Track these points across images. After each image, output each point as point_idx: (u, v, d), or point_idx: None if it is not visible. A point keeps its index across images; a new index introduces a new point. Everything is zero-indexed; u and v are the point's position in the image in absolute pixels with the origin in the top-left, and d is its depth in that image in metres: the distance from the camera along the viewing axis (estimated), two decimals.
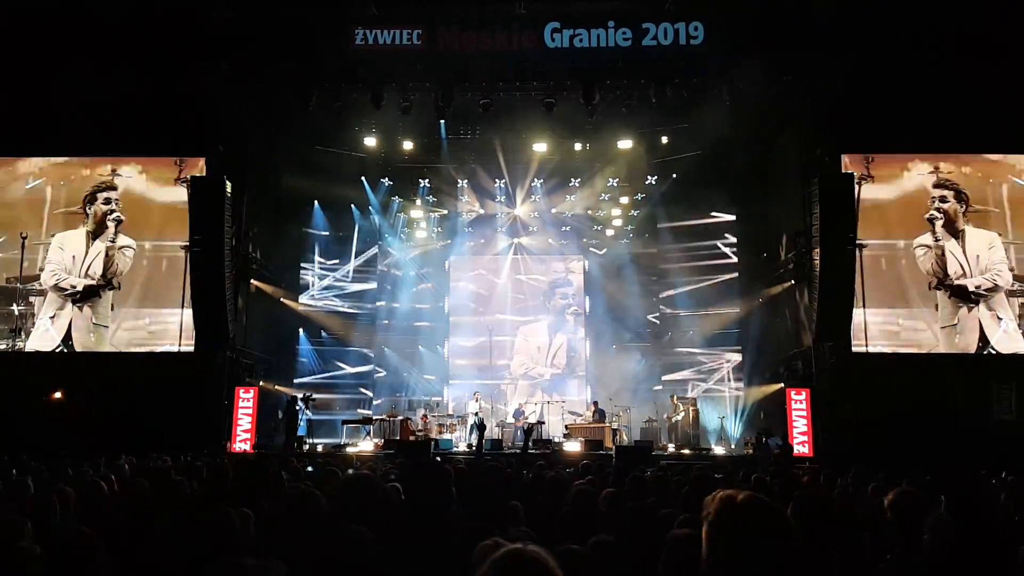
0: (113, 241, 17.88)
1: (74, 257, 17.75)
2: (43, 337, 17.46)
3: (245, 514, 3.65)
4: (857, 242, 15.92)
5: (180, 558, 3.22)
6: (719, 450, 17.83)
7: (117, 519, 4.94)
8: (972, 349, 16.94)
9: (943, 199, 17.45)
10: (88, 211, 17.98)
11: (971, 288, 17.08)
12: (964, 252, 17.24)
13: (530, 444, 16.24)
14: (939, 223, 17.38)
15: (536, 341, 22.74)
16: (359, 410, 21.00)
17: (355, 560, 3.13)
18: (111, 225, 17.89)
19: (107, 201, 17.98)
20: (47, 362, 17.24)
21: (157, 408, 15.09)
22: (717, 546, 2.02)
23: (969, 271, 17.15)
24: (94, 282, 17.69)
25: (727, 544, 2.01)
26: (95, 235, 17.88)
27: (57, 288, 17.62)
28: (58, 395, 16.48)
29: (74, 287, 17.63)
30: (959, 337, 17.01)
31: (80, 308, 17.58)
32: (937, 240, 17.34)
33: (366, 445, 17.74)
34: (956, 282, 17.14)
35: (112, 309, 17.65)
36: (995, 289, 17.04)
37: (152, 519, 4.76)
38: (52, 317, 17.50)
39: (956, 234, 17.36)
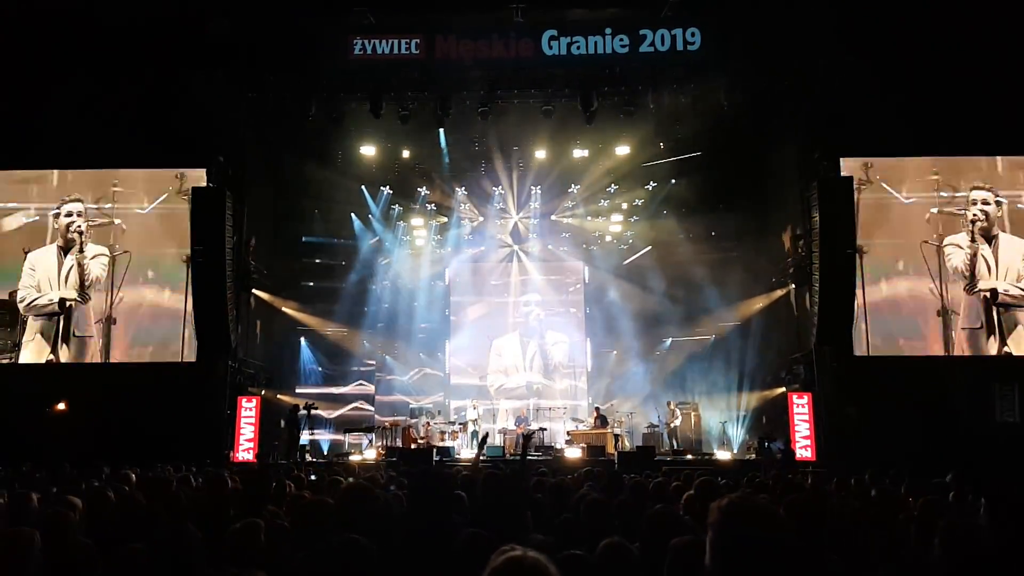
0: (82, 252, 17.79)
1: (48, 276, 17.65)
2: (31, 355, 17.44)
3: (255, 524, 3.66)
4: (858, 244, 16.02)
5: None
6: (721, 455, 17.83)
7: (121, 530, 4.95)
8: (993, 352, 16.85)
9: (984, 201, 17.29)
10: (55, 225, 17.90)
11: (1000, 290, 16.96)
12: (996, 258, 17.12)
13: (529, 451, 16.28)
14: (978, 225, 17.19)
15: (509, 353, 22.75)
16: (361, 412, 21.00)
17: (360, 569, 3.15)
18: (76, 237, 17.81)
19: (69, 214, 17.88)
20: (50, 373, 17.25)
21: (159, 418, 15.07)
22: (720, 552, 2.02)
23: (996, 276, 17.03)
24: (71, 295, 17.60)
25: (731, 549, 2.00)
26: (65, 250, 17.80)
27: (31, 307, 17.56)
28: (61, 406, 16.50)
29: (51, 301, 17.54)
30: (982, 340, 16.93)
31: (60, 321, 17.52)
32: (972, 242, 17.17)
33: (368, 453, 17.75)
34: (982, 284, 17.02)
35: (93, 320, 17.57)
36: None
37: (151, 530, 4.78)
38: (32, 339, 17.44)
39: (990, 239, 17.23)
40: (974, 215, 17.23)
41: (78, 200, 17.97)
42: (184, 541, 3.33)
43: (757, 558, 1.97)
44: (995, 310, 16.94)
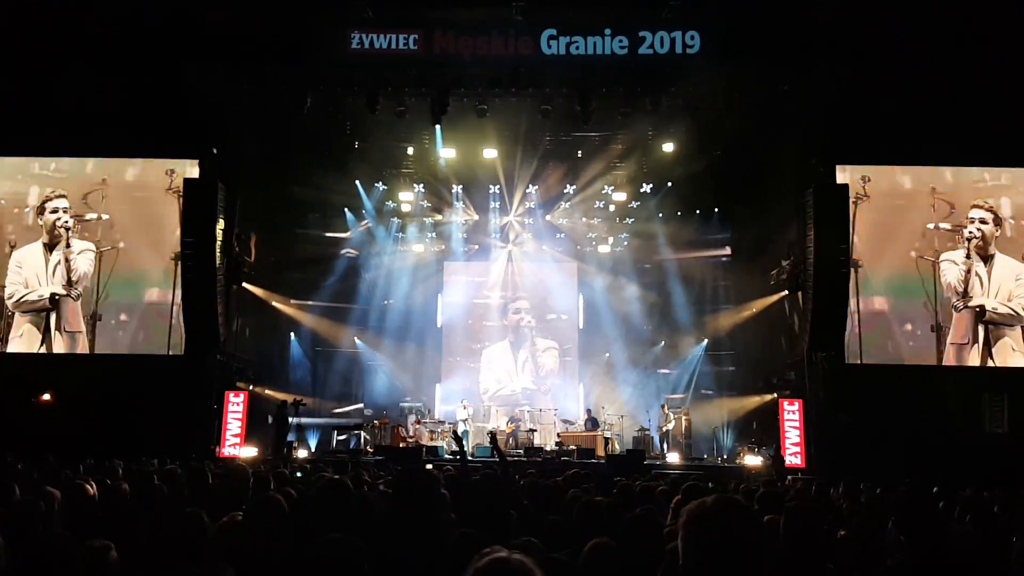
0: (69, 247, 17.61)
1: (36, 273, 17.53)
2: (21, 350, 17.33)
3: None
4: (853, 259, 16.05)
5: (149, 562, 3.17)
6: (712, 460, 17.81)
7: (101, 522, 4.87)
8: (977, 363, 16.94)
9: (983, 220, 17.30)
10: (40, 222, 17.74)
11: (988, 308, 16.99)
12: (989, 276, 17.14)
13: (503, 450, 16.17)
14: (974, 243, 17.20)
15: (500, 356, 22.69)
16: (350, 409, 20.93)
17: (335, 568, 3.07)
18: (63, 233, 17.65)
19: (55, 211, 17.73)
20: (36, 364, 17.12)
21: (146, 411, 15.00)
22: (690, 549, 2.01)
23: (987, 294, 17.07)
24: (59, 291, 17.48)
25: (698, 546, 1.99)
26: (50, 246, 17.65)
27: (20, 303, 17.42)
28: (46, 397, 16.37)
29: (41, 297, 17.40)
30: (968, 355, 16.99)
31: (48, 317, 17.41)
32: (967, 259, 17.18)
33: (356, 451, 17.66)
34: (975, 301, 17.04)
35: (82, 316, 17.44)
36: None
37: (132, 523, 4.70)
38: (20, 335, 17.34)
39: (986, 258, 17.25)
40: (971, 233, 17.24)
41: (62, 196, 17.84)
42: (194, 528, 3.26)
43: (727, 549, 1.96)
44: (981, 325, 16.99)
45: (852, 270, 16.40)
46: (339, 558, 3.04)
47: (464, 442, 18.10)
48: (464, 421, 19.67)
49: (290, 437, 17.03)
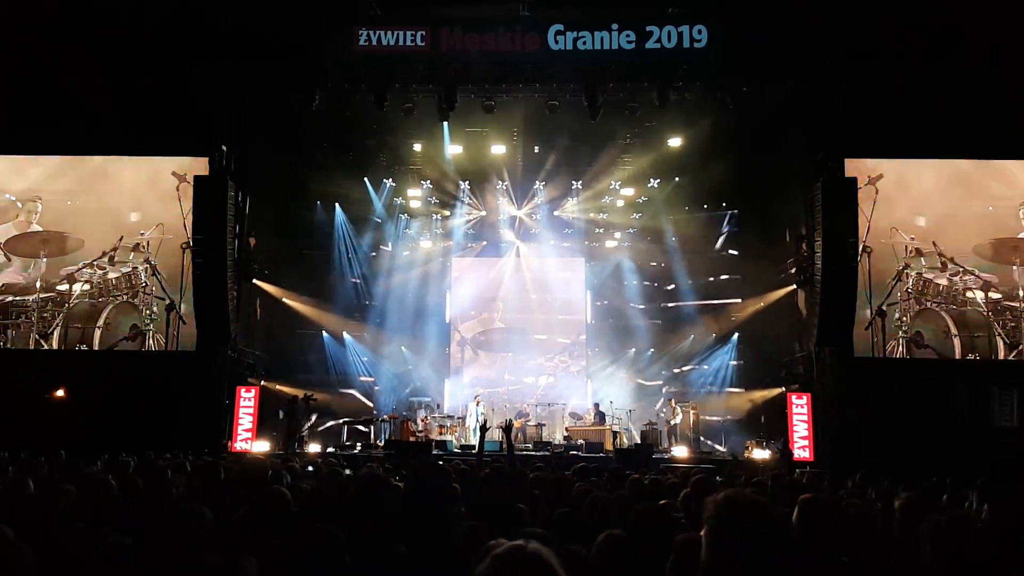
0: None
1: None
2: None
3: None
4: (864, 246, 16.04)
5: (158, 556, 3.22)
6: (720, 453, 17.80)
7: (116, 517, 4.92)
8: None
9: None
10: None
11: None
12: None
13: (512, 443, 16.25)
14: None
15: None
16: (360, 396, 21.03)
17: (330, 563, 3.12)
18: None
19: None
20: (48, 360, 17.25)
21: (158, 407, 15.10)
22: (716, 546, 2.02)
23: None
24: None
25: (726, 544, 2.01)
26: None
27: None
28: (60, 393, 16.49)
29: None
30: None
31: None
32: None
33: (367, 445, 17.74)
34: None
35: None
36: None
37: (145, 517, 4.76)
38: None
39: None
40: None
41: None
42: (196, 522, 3.31)
43: (752, 551, 1.98)
44: None
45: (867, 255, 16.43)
46: (321, 549, 3.09)
47: (476, 435, 18.24)
48: (476, 419, 19.67)
49: (302, 432, 17.10)
